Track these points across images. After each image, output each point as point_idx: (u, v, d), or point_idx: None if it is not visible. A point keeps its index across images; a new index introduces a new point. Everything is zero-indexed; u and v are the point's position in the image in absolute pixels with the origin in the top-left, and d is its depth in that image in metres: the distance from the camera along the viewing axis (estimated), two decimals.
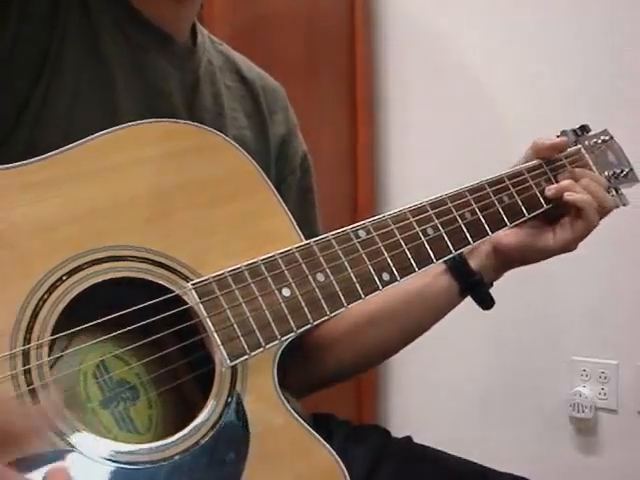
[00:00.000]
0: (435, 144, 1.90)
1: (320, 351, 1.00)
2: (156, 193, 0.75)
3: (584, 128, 1.10)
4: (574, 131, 1.08)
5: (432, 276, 0.98)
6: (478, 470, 0.94)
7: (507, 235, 0.97)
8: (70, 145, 0.72)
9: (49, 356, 0.66)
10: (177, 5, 0.87)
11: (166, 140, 0.78)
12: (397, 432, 1.03)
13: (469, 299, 1.00)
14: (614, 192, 1.08)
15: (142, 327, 0.70)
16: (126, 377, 0.75)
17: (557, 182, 0.99)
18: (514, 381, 1.83)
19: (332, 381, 1.05)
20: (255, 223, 0.80)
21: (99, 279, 0.70)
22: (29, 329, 0.66)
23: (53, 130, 0.78)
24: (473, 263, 0.98)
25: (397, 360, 1.74)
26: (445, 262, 0.97)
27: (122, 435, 0.73)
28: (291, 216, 0.82)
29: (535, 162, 1.00)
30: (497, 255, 0.98)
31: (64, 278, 0.68)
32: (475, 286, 0.99)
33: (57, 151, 0.72)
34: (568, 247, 0.97)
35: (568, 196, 0.95)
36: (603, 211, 0.97)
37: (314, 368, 1.01)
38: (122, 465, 0.65)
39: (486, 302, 1.00)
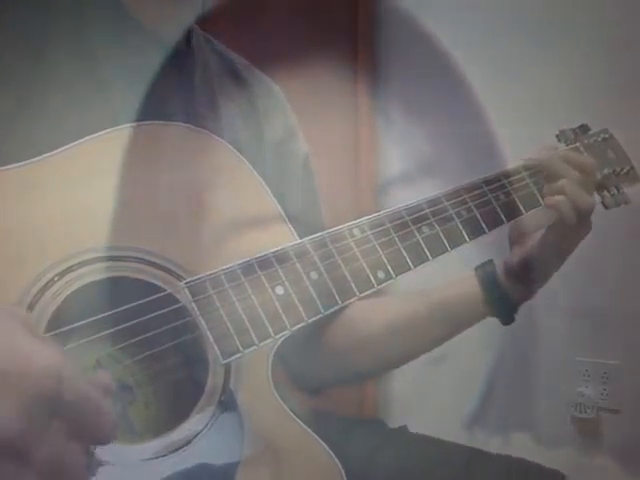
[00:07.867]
0: (437, 145, 1.90)
1: (338, 358, 1.01)
2: (150, 194, 0.75)
3: (583, 127, 1.10)
4: (573, 130, 1.08)
5: (460, 285, 1.00)
6: (473, 451, 0.94)
7: (512, 254, 0.99)
8: (64, 147, 0.73)
9: None
10: (173, 8, 0.88)
11: (161, 141, 0.78)
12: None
13: None
14: (615, 190, 1.07)
15: (139, 327, 0.70)
16: (122, 377, 0.75)
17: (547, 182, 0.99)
18: (516, 381, 1.82)
19: (347, 383, 1.06)
20: (250, 223, 0.80)
21: (92, 279, 0.70)
22: None
23: (49, 133, 0.78)
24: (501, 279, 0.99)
25: None
26: (477, 274, 1.00)
27: (120, 436, 0.73)
28: (286, 217, 0.82)
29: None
30: (509, 274, 0.99)
31: (56, 279, 0.68)
32: (499, 299, 0.99)
33: (51, 153, 0.72)
34: (561, 252, 0.97)
35: (546, 201, 0.96)
36: (578, 209, 0.95)
37: (329, 373, 1.02)
38: (112, 465, 0.65)
39: (507, 317, 1.00)
